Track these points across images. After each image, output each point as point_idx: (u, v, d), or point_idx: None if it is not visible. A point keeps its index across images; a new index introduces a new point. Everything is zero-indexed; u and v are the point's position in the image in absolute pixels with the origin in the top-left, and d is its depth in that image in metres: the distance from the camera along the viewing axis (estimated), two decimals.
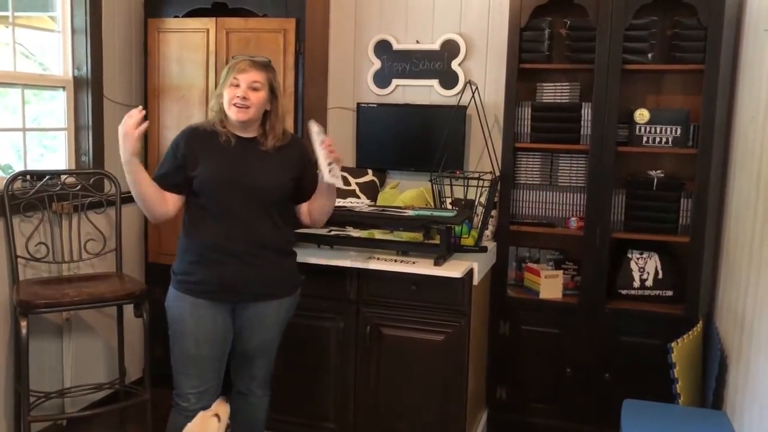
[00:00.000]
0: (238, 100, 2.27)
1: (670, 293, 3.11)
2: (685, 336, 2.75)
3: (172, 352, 2.38)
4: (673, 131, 3.03)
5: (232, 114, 2.30)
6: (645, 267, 3.13)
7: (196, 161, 2.31)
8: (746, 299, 2.37)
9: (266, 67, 2.35)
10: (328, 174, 2.28)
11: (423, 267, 2.73)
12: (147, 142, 3.56)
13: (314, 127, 2.32)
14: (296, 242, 2.60)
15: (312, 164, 2.43)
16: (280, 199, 2.40)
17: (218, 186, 2.29)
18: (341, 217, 2.89)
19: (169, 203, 2.33)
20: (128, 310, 3.10)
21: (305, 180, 2.45)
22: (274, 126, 2.38)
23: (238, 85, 2.28)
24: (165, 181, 2.33)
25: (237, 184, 2.30)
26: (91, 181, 3.20)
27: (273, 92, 2.35)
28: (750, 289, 2.33)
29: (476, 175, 3.20)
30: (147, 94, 3.53)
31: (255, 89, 2.29)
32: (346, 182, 3.45)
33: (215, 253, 2.31)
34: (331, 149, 2.29)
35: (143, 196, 2.27)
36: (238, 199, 2.30)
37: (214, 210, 2.31)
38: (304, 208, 2.50)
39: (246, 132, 2.36)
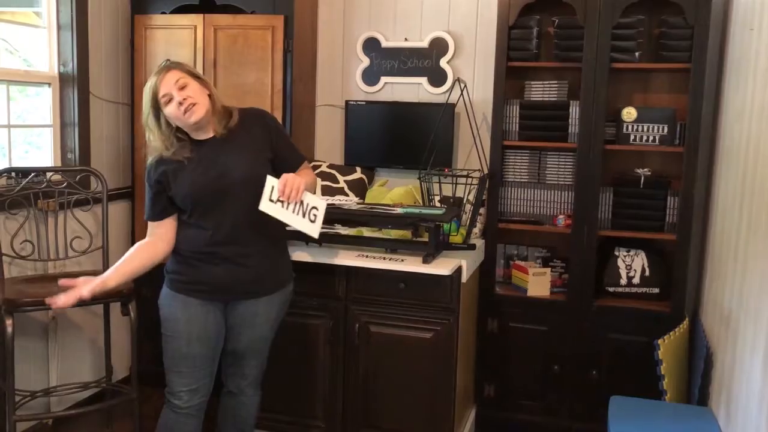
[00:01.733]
0: (183, 105, 2.17)
1: (656, 290, 3.13)
2: (671, 333, 2.77)
3: (165, 351, 2.37)
4: (660, 129, 3.05)
5: (185, 120, 2.20)
6: (632, 264, 3.15)
7: (168, 181, 2.26)
8: (732, 297, 2.39)
9: (173, 64, 2.25)
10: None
11: (411, 265, 2.73)
12: (134, 140, 3.54)
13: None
14: (287, 236, 2.56)
15: (281, 132, 2.44)
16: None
17: (199, 198, 2.25)
18: (330, 215, 2.88)
19: (165, 236, 2.32)
20: (115, 308, 3.07)
21: (281, 151, 2.40)
22: (216, 108, 2.28)
23: (171, 97, 2.18)
24: (156, 213, 2.32)
25: (217, 189, 2.26)
26: (77, 179, 3.17)
27: (199, 79, 2.26)
28: (735, 287, 2.35)
29: (465, 173, 3.20)
30: (134, 90, 3.50)
31: (183, 87, 2.19)
32: (335, 180, 3.45)
33: (205, 256, 2.30)
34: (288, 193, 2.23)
35: (138, 273, 2.35)
36: (223, 201, 2.27)
37: (200, 217, 2.28)
38: None
39: (204, 133, 2.29)
